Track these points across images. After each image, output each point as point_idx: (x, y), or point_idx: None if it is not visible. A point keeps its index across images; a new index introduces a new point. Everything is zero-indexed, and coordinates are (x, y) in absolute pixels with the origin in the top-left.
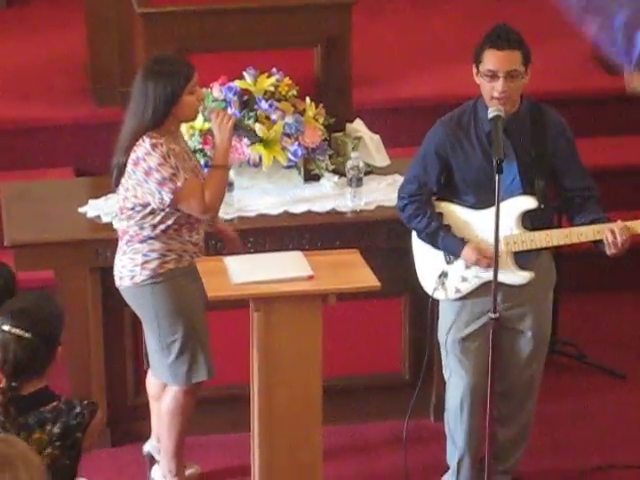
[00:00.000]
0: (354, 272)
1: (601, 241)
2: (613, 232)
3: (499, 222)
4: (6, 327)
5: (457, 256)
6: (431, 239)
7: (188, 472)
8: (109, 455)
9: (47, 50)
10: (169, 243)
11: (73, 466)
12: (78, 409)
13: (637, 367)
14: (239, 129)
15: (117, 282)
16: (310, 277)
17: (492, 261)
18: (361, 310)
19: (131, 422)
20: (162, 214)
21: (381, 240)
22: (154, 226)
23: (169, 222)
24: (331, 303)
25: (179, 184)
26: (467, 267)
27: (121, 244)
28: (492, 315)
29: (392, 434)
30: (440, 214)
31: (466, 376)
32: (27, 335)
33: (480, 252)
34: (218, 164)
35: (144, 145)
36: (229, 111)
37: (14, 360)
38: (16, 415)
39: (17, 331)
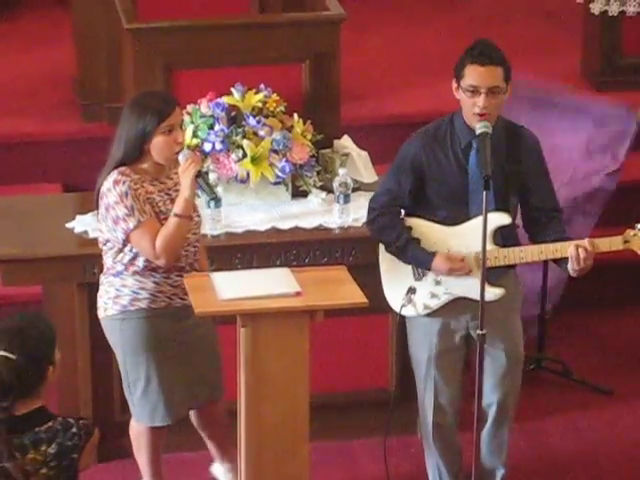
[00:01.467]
0: (341, 288)
1: (566, 260)
2: (581, 247)
3: (486, 239)
4: None
5: (427, 268)
6: (400, 252)
7: None
8: (96, 471)
9: (35, 65)
10: (142, 282)
11: None
12: (74, 430)
13: (623, 383)
14: (200, 179)
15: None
16: (297, 293)
17: (465, 267)
18: (348, 326)
19: (118, 438)
20: (131, 254)
21: (369, 256)
22: (125, 264)
23: (139, 262)
24: (318, 319)
25: (130, 225)
26: (437, 283)
27: (101, 274)
28: (480, 331)
29: (379, 450)
30: (410, 228)
31: (438, 394)
32: (12, 357)
33: (452, 261)
34: (176, 212)
35: (108, 180)
36: (217, 127)
37: (1, 382)
38: (8, 435)
39: (2, 353)
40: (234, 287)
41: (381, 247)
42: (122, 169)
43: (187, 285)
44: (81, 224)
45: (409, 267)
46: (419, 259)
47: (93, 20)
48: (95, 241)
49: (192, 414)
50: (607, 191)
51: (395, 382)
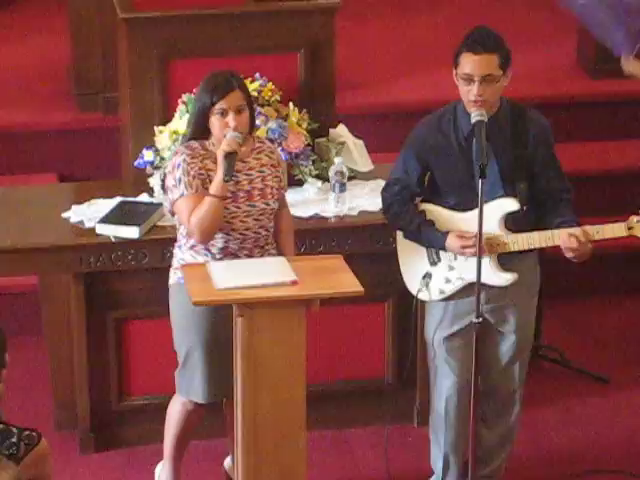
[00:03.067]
0: (338, 277)
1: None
2: (587, 235)
3: (482, 226)
4: None
5: (442, 247)
6: (415, 235)
7: None
8: (93, 461)
9: (30, 56)
10: (196, 258)
11: None
12: (14, 439)
13: (620, 371)
14: (226, 160)
15: None
16: (294, 282)
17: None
18: (345, 315)
19: (115, 427)
20: None
21: (365, 245)
22: (184, 236)
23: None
24: (315, 308)
25: (175, 196)
26: (450, 268)
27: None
28: (475, 320)
29: (376, 439)
30: (423, 211)
31: (452, 375)
32: None
33: (464, 239)
34: (210, 192)
35: (174, 151)
36: None
37: None
38: None
39: None
40: (231, 276)
41: (399, 234)
42: (189, 143)
43: (184, 274)
44: (77, 214)
45: (424, 253)
46: (433, 240)
47: (88, 10)
48: (91, 231)
49: (224, 405)
50: None
51: (392, 371)
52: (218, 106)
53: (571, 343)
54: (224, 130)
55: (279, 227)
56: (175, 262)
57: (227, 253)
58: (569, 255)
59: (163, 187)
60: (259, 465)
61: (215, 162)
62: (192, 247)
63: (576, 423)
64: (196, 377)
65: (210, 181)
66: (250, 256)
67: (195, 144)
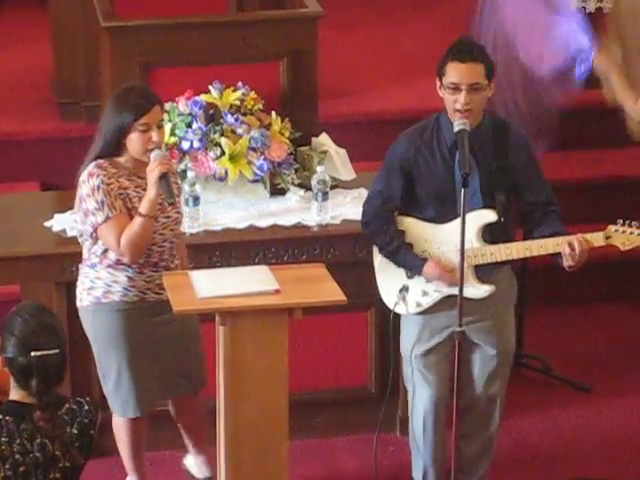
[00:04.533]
0: (320, 286)
1: (560, 254)
2: (571, 244)
3: (464, 236)
4: (39, 352)
5: (418, 273)
6: (393, 256)
7: None
8: None
9: (13, 64)
10: (115, 275)
11: (84, 465)
12: (87, 407)
13: (602, 380)
14: (163, 181)
15: None
16: (276, 291)
17: (455, 277)
18: (327, 324)
19: (98, 436)
20: (103, 247)
21: (347, 254)
22: (99, 256)
23: (111, 256)
24: (297, 317)
25: (99, 220)
26: (428, 281)
27: (80, 264)
28: (458, 328)
29: (358, 448)
30: (403, 232)
31: (429, 389)
32: (56, 351)
33: (442, 268)
34: (140, 211)
35: (85, 172)
36: (194, 125)
37: (56, 377)
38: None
39: (50, 352)
40: (213, 285)
41: (375, 248)
42: (100, 162)
43: (166, 283)
44: (59, 223)
45: None
46: (410, 265)
47: (71, 19)
48: (73, 240)
49: (170, 405)
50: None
51: (375, 379)
52: (141, 122)
53: (553, 352)
54: (147, 146)
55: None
56: (87, 282)
57: (148, 265)
58: (569, 263)
59: (78, 212)
60: (241, 473)
61: (129, 179)
62: (110, 265)
63: (558, 431)
64: (130, 394)
65: (129, 199)
66: (167, 266)
67: (104, 163)
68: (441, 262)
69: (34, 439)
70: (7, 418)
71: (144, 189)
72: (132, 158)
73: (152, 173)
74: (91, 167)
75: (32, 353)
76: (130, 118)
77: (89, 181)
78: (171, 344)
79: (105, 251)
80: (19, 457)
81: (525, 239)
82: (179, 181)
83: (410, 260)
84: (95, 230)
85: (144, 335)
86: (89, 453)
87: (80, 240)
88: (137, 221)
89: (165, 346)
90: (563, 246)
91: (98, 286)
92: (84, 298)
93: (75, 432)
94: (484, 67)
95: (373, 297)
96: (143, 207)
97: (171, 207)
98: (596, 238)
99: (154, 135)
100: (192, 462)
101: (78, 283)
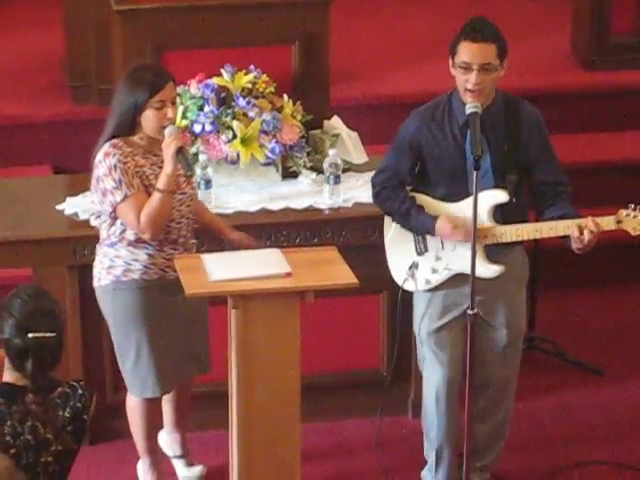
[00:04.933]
0: (332, 269)
1: (569, 236)
2: (580, 228)
3: (476, 218)
4: (37, 334)
5: (431, 232)
6: (404, 219)
7: (190, 471)
8: (88, 453)
9: (24, 48)
10: (135, 253)
11: (77, 450)
12: (80, 391)
13: (615, 363)
14: (181, 156)
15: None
16: (288, 274)
17: (467, 232)
18: (339, 307)
19: (109, 420)
20: (122, 226)
21: (359, 237)
22: (118, 236)
23: (129, 235)
24: (309, 300)
25: (117, 198)
26: (437, 259)
27: (97, 244)
28: (470, 311)
29: (370, 431)
30: (413, 197)
31: (441, 368)
32: (53, 334)
33: (455, 223)
34: (158, 187)
35: (100, 152)
36: (206, 108)
37: (52, 359)
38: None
39: (46, 334)
40: (225, 268)
41: (386, 221)
42: (115, 141)
43: (177, 266)
44: (71, 206)
45: (412, 242)
46: (422, 224)
47: (82, 2)
48: (85, 223)
49: None
50: None
51: (387, 363)
52: (156, 99)
53: (565, 335)
54: (162, 122)
55: (195, 203)
56: (106, 261)
57: (168, 242)
58: (577, 246)
59: (95, 192)
60: (253, 456)
61: (144, 157)
62: (129, 243)
63: (570, 414)
64: (149, 372)
65: (146, 177)
66: (186, 242)
67: (119, 142)
68: (452, 217)
69: (25, 422)
70: None
71: (159, 166)
72: (146, 136)
73: (168, 148)
74: (106, 147)
75: (29, 334)
76: (145, 96)
77: (105, 161)
78: (186, 325)
79: (124, 230)
80: (10, 439)
81: (536, 219)
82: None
83: (422, 220)
84: (114, 209)
85: (163, 313)
86: (82, 438)
87: (98, 221)
88: (155, 197)
89: (181, 327)
90: (573, 229)
91: (118, 264)
92: (103, 277)
93: (67, 416)
94: (496, 47)
95: (385, 280)
96: (161, 182)
97: (185, 183)
98: (607, 222)
99: (169, 112)
100: (165, 438)
101: (95, 263)
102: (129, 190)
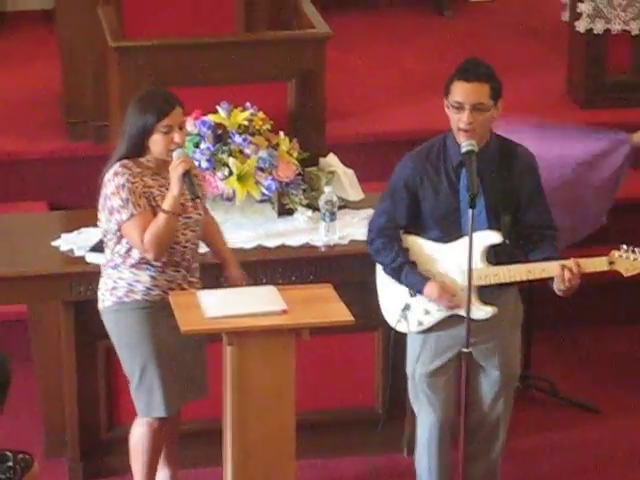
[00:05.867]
0: (328, 306)
1: (553, 278)
2: (563, 267)
3: (472, 257)
4: None
5: (420, 292)
6: (395, 274)
7: None
8: None
9: (21, 83)
10: (138, 274)
11: None
12: (10, 463)
13: (610, 402)
14: (187, 178)
15: None
16: (284, 311)
17: (453, 301)
18: (335, 344)
19: (104, 456)
20: (127, 245)
21: (355, 274)
22: (123, 256)
23: (135, 255)
24: (305, 337)
25: (123, 217)
26: (431, 300)
27: (102, 266)
28: (464, 349)
29: (365, 468)
30: (407, 250)
31: (434, 411)
32: None
33: (443, 289)
34: (163, 208)
35: (109, 172)
36: (202, 145)
37: None
38: None
39: None
40: (220, 305)
41: (378, 266)
42: (124, 162)
43: (173, 302)
44: (67, 242)
45: None
46: (412, 283)
47: (79, 38)
48: (81, 259)
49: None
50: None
51: (382, 400)
52: (164, 123)
53: (560, 373)
54: (169, 146)
55: (210, 229)
56: (110, 283)
57: (170, 265)
58: (560, 288)
59: (103, 211)
60: None
61: (152, 178)
62: (133, 265)
63: (565, 453)
64: (155, 391)
65: (153, 198)
66: (189, 267)
67: (129, 163)
68: (443, 284)
69: None
70: None
71: (167, 188)
72: (155, 158)
73: (175, 170)
74: (116, 167)
75: None
76: (153, 120)
77: (114, 180)
78: (185, 348)
79: (129, 250)
80: None
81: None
82: (200, 181)
83: (412, 279)
84: (119, 227)
85: (166, 335)
86: None
87: (104, 240)
88: (161, 218)
89: (181, 349)
90: (556, 269)
91: (121, 286)
92: (107, 299)
93: None
94: (489, 87)
95: (380, 318)
96: (167, 204)
97: (192, 208)
98: (599, 263)
99: (176, 136)
100: (158, 476)
101: (100, 286)
102: (135, 209)
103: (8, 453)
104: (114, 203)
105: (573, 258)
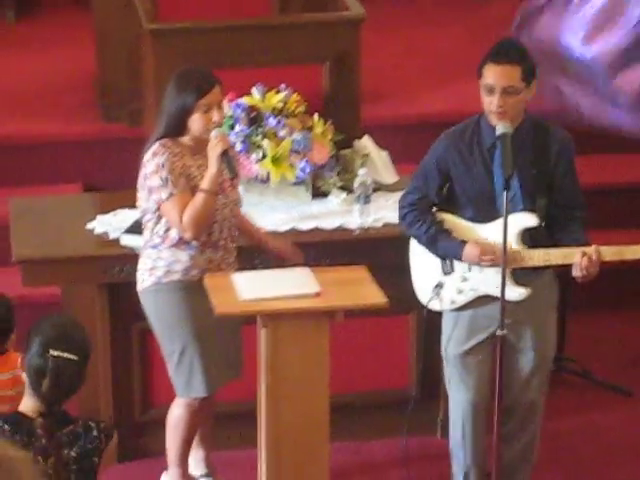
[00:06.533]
0: (362, 289)
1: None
2: (583, 254)
3: (506, 240)
4: (55, 352)
5: (458, 257)
6: (431, 244)
7: None
8: (116, 471)
9: (56, 66)
10: (177, 254)
11: None
12: (95, 433)
13: None
14: (225, 158)
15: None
16: (317, 294)
17: (495, 258)
18: (369, 327)
19: (138, 438)
20: (166, 225)
21: (389, 257)
22: (162, 236)
23: (173, 234)
24: (339, 320)
25: (163, 196)
26: (464, 279)
27: (141, 248)
28: (499, 332)
29: (399, 451)
30: (440, 220)
31: (467, 392)
32: (75, 357)
33: (483, 248)
34: (202, 188)
35: (149, 151)
36: (237, 128)
37: (68, 384)
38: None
39: (66, 355)
40: (254, 287)
41: (412, 241)
42: (163, 141)
43: (207, 285)
44: (101, 225)
45: (438, 262)
46: (450, 248)
47: (113, 21)
48: (115, 242)
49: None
50: None
51: (416, 383)
52: (203, 102)
53: (593, 356)
54: (208, 125)
55: (237, 212)
56: (149, 263)
57: (209, 245)
58: (577, 274)
59: (142, 190)
60: (282, 476)
61: (192, 158)
62: (172, 245)
63: (598, 435)
64: (194, 372)
65: (192, 177)
66: (226, 246)
67: (169, 142)
68: (482, 243)
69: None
70: (5, 426)
71: (206, 168)
72: (194, 137)
73: (214, 150)
74: (156, 146)
75: (50, 352)
76: (192, 99)
77: (154, 159)
78: (223, 329)
79: (168, 229)
80: None
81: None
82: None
83: (450, 245)
84: (159, 207)
85: (204, 315)
86: (91, 478)
87: (143, 220)
88: (199, 197)
89: (219, 329)
90: (577, 256)
91: (160, 266)
92: (146, 279)
93: (73, 455)
94: (521, 69)
95: (414, 300)
96: (205, 183)
97: (231, 188)
98: (608, 251)
99: (215, 115)
100: (191, 457)
101: (139, 266)
102: (175, 189)
103: (91, 423)
104: (153, 182)
105: (595, 245)
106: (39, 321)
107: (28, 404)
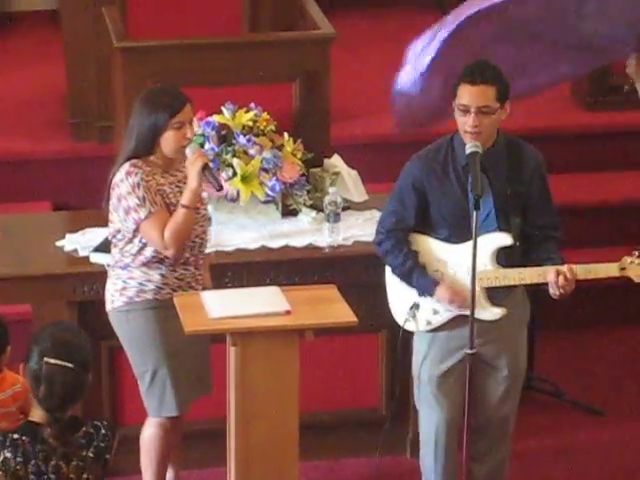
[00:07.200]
0: (331, 307)
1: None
2: (558, 273)
3: (476, 258)
4: (50, 360)
5: (430, 296)
6: (405, 277)
7: None
8: None
9: (25, 84)
10: (148, 274)
11: None
12: (104, 431)
13: (614, 404)
14: (207, 172)
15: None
16: (287, 312)
17: (465, 302)
18: (338, 345)
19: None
20: (140, 244)
21: (358, 275)
22: (133, 255)
23: (147, 253)
24: (308, 338)
25: (141, 215)
26: (439, 300)
27: (109, 267)
28: (469, 351)
29: (369, 470)
30: (416, 252)
31: (441, 411)
32: (70, 365)
33: (454, 293)
34: (183, 203)
35: (121, 171)
36: (207, 146)
37: (63, 392)
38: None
39: (61, 362)
40: (224, 306)
41: (387, 267)
42: (134, 161)
43: (177, 304)
44: (71, 242)
45: None
46: (422, 287)
47: (83, 38)
48: (85, 260)
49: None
50: None
51: (385, 402)
52: (176, 120)
53: (565, 375)
54: (181, 142)
55: None
56: (119, 284)
57: (181, 262)
58: (554, 292)
59: (116, 211)
60: None
61: (162, 176)
62: (143, 264)
63: (569, 455)
64: (167, 392)
65: (166, 195)
66: (196, 262)
67: (139, 162)
68: (454, 287)
69: (49, 460)
70: (23, 438)
71: (177, 185)
72: (162, 156)
73: (194, 165)
74: (127, 166)
75: (44, 359)
76: (164, 117)
77: (128, 179)
78: (193, 346)
79: (141, 249)
80: (33, 478)
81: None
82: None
83: (422, 282)
84: (137, 227)
85: (176, 333)
86: (103, 477)
87: (114, 241)
88: (180, 213)
89: (189, 347)
90: (551, 275)
91: (131, 286)
92: (116, 299)
93: (91, 456)
94: (496, 89)
95: (384, 319)
96: (185, 198)
97: (200, 204)
98: (611, 269)
99: (188, 132)
100: None
101: (108, 287)
102: (152, 207)
103: (97, 422)
104: (130, 202)
105: (567, 264)
106: (41, 329)
107: (37, 413)
